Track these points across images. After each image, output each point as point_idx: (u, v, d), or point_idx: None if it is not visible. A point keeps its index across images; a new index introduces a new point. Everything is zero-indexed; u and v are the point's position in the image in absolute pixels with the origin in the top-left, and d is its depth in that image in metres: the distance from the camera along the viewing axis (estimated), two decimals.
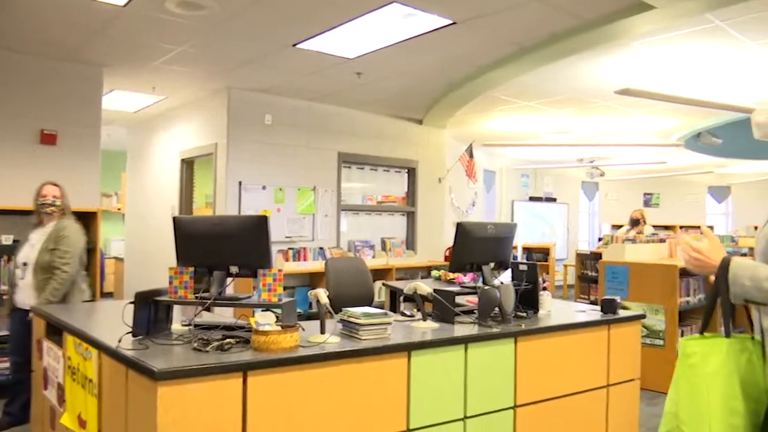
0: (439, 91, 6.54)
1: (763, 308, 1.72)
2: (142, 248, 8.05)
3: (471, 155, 8.33)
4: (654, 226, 10.18)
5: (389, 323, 2.89)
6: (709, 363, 1.72)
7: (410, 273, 7.69)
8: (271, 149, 6.75)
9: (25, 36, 4.82)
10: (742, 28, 4.24)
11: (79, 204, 5.42)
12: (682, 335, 5.36)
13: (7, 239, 4.98)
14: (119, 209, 10.75)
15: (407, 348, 2.79)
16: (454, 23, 4.31)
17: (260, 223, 2.83)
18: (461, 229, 3.40)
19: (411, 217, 8.23)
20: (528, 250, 11.71)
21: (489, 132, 8.91)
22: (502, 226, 3.68)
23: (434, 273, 6.19)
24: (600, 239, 10.35)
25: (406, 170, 8.21)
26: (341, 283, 5.06)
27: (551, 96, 6.55)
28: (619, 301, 3.76)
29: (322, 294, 2.88)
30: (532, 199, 13.34)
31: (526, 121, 8.03)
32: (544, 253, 11.36)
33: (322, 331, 2.80)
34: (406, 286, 3.47)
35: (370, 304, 4.77)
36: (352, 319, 2.87)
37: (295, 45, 4.86)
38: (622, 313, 3.77)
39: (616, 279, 5.61)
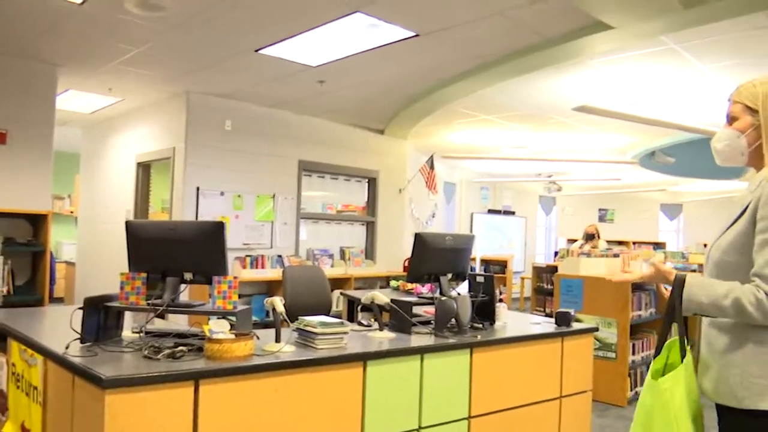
0: (401, 102, 6.58)
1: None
2: (95, 252, 7.83)
3: (432, 167, 8.40)
4: (608, 242, 10.44)
5: (346, 332, 2.88)
6: (675, 395, 1.75)
7: (369, 283, 7.68)
8: (230, 155, 6.67)
9: None
10: (695, 51, 4.40)
11: (29, 206, 5.27)
12: (633, 349, 5.49)
13: None
14: (72, 212, 10.45)
15: (363, 358, 2.78)
16: (417, 35, 4.35)
17: (216, 230, 2.79)
18: (419, 239, 3.41)
19: (371, 226, 8.24)
20: (486, 262, 11.83)
21: (449, 144, 9.00)
22: (461, 238, 3.71)
23: (393, 283, 6.20)
24: (556, 253, 10.55)
25: (367, 180, 8.21)
26: (299, 291, 5.01)
27: (511, 110, 6.66)
28: (572, 313, 3.82)
29: (278, 302, 2.85)
30: (491, 211, 13.52)
31: (486, 134, 8.15)
32: (502, 265, 11.50)
33: (278, 340, 2.76)
34: (364, 296, 3.46)
35: (327, 314, 4.72)
36: (308, 328, 2.84)
37: (257, 50, 4.83)
38: (575, 325, 3.84)
39: (570, 292, 5.71)
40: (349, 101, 6.56)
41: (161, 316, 3.80)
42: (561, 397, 3.65)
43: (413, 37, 4.38)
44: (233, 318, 2.72)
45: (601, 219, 15.69)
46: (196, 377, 2.31)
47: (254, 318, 6.13)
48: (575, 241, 10.37)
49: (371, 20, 4.10)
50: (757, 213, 1.70)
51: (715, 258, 1.82)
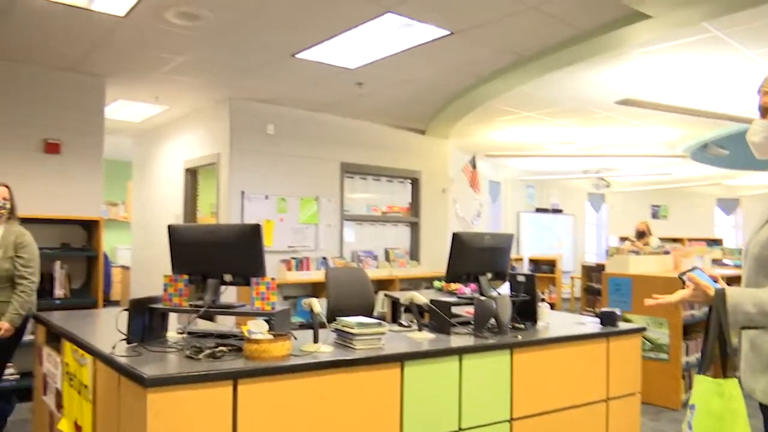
0: (441, 101, 6.56)
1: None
2: (148, 257, 8.08)
3: (474, 166, 8.33)
4: (662, 239, 10.12)
5: (383, 333, 2.88)
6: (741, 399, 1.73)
7: (413, 284, 7.67)
8: (273, 159, 6.77)
9: (28, 47, 4.88)
10: (740, 37, 4.23)
11: (83, 212, 5.48)
12: (686, 349, 5.31)
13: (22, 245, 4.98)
14: (126, 218, 10.80)
15: (400, 358, 2.77)
16: (451, 33, 4.32)
17: (254, 232, 2.83)
18: (457, 239, 3.39)
19: (415, 227, 8.23)
20: (534, 262, 11.65)
21: (492, 143, 8.91)
22: (499, 237, 3.66)
23: (436, 284, 6.17)
24: (608, 251, 10.29)
25: (410, 180, 8.21)
26: (341, 293, 5.03)
27: (553, 106, 6.55)
28: (618, 313, 3.72)
29: (315, 303, 2.87)
30: (538, 210, 13.30)
31: (529, 131, 8.03)
32: (551, 265, 11.30)
33: (315, 340, 2.79)
34: (403, 296, 3.46)
35: (370, 315, 4.74)
36: (345, 329, 2.86)
37: (294, 55, 4.89)
38: (622, 325, 3.74)
39: (619, 291, 5.57)
40: (388, 102, 6.57)
41: (209, 317, 3.89)
42: (608, 399, 3.57)
43: (447, 35, 4.36)
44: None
45: (654, 215, 15.24)
46: (234, 377, 2.35)
47: (299, 319, 6.21)
48: (626, 239, 10.11)
49: (403, 20, 4.09)
50: None
51: (755, 253, 1.79)
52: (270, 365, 2.45)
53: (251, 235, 2.84)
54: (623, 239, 11.66)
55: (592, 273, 8.47)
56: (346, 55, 4.91)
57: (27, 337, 4.57)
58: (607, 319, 3.65)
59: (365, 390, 2.67)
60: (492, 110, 6.78)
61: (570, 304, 11.50)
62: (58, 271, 5.20)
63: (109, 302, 7.12)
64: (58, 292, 5.18)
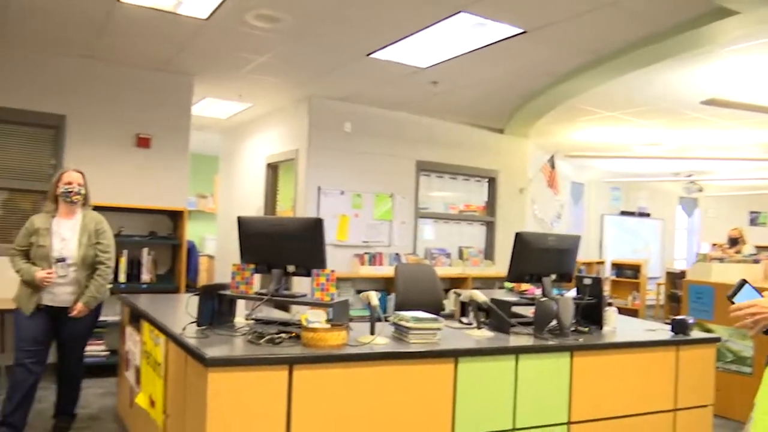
0: (517, 100, 6.47)
1: None
2: (232, 247, 8.45)
3: (553, 166, 8.15)
4: (759, 247, 9.50)
5: (438, 328, 2.92)
6: None
7: (487, 283, 7.61)
8: (350, 156, 6.91)
9: (123, 49, 5.24)
10: None
11: (169, 203, 5.83)
12: None
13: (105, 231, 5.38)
14: (213, 210, 11.32)
15: (454, 354, 2.80)
16: (524, 32, 4.27)
17: (315, 226, 2.94)
18: (519, 239, 3.36)
19: (490, 226, 8.16)
20: (617, 267, 11.23)
21: (574, 143, 8.68)
22: (565, 238, 3.60)
23: (507, 284, 6.12)
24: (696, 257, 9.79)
25: (487, 179, 8.14)
26: (409, 289, 5.09)
27: (635, 106, 6.31)
28: (691, 321, 3.57)
29: (373, 296, 2.94)
30: (623, 213, 12.80)
31: (613, 132, 7.76)
32: (635, 270, 10.85)
33: (372, 332, 2.86)
34: (463, 294, 3.48)
35: (437, 312, 4.77)
36: (402, 323, 2.92)
37: (368, 55, 4.98)
38: (695, 334, 3.59)
39: (700, 300, 5.31)
40: (464, 101, 6.56)
41: (283, 306, 4.07)
42: (676, 409, 3.43)
43: (521, 33, 4.31)
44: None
45: (752, 222, 14.27)
46: (290, 362, 2.46)
47: (367, 313, 6.32)
48: (718, 245, 9.57)
49: (477, 19, 4.09)
50: None
51: None
52: (325, 353, 2.55)
53: (313, 229, 2.96)
54: (716, 246, 11.04)
55: (676, 280, 8.10)
56: (419, 55, 4.96)
57: (115, 317, 4.94)
58: (679, 326, 3.51)
59: (418, 383, 2.72)
60: (573, 110, 6.62)
61: (655, 311, 11.02)
62: (146, 257, 5.57)
63: (194, 289, 7.51)
64: (145, 277, 5.55)
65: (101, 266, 3.80)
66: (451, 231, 7.96)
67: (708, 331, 5.13)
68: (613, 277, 10.71)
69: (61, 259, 3.67)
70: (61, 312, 3.73)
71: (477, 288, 7.26)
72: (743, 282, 1.93)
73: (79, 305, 3.71)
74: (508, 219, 8.18)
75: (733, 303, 1.87)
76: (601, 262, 11.35)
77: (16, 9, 4.38)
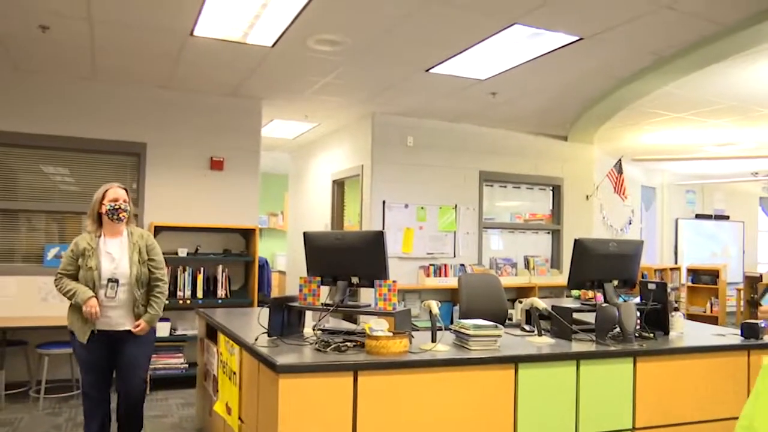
0: (579, 106, 6.43)
1: None
2: (301, 262, 8.73)
3: (620, 171, 7.99)
4: None
5: (499, 335, 2.99)
6: None
7: (554, 292, 7.55)
8: (413, 169, 7.05)
9: (195, 78, 5.60)
10: None
11: (241, 222, 6.14)
12: None
13: (182, 252, 5.74)
14: (283, 227, 11.72)
15: (514, 360, 2.86)
16: (581, 39, 4.30)
17: (377, 238, 3.07)
18: (579, 245, 3.39)
19: (556, 235, 8.09)
20: (693, 272, 10.83)
21: (642, 146, 8.49)
22: (626, 244, 3.59)
23: (574, 292, 6.05)
24: None
25: (551, 188, 8.09)
26: (473, 298, 5.15)
27: (704, 106, 6.14)
28: (763, 325, 3.47)
29: (433, 305, 3.05)
30: (699, 216, 12.32)
31: (682, 133, 7.56)
32: (713, 275, 10.43)
33: (433, 340, 2.96)
34: (524, 302, 3.52)
35: (503, 322, 4.81)
36: (462, 330, 3.01)
37: (428, 70, 5.12)
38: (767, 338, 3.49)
39: None
40: (525, 110, 6.58)
41: (350, 317, 4.20)
42: None
43: (578, 41, 4.33)
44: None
45: None
46: (354, 368, 2.60)
47: (438, 324, 6.40)
48: None
49: (531, 30, 4.15)
50: None
51: None
52: (387, 360, 2.67)
53: (375, 242, 3.09)
54: None
55: (756, 284, 7.75)
56: (477, 67, 5.05)
57: (193, 331, 5.25)
58: (749, 331, 3.43)
59: (479, 389, 2.79)
60: (637, 113, 6.52)
61: (735, 317, 10.53)
62: (221, 274, 5.88)
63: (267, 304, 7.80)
64: (220, 292, 5.85)
65: (159, 283, 3.64)
66: (517, 240, 7.95)
67: None
68: (690, 284, 10.33)
69: (114, 280, 3.48)
70: (117, 336, 3.53)
71: (544, 297, 7.24)
72: None
73: (143, 323, 3.54)
74: (574, 227, 8.08)
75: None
76: (677, 268, 10.96)
77: (99, 47, 4.78)
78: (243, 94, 6.14)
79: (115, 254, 3.55)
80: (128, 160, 5.89)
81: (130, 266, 3.54)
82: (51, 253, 5.57)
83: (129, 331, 3.54)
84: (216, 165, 6.11)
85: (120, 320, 3.54)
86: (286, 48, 4.62)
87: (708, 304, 10.17)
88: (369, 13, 3.98)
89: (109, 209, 3.54)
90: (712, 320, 9.45)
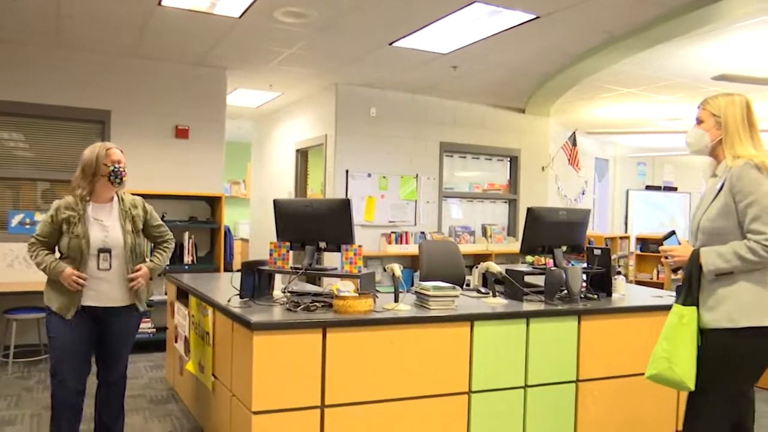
0: (536, 81, 6.68)
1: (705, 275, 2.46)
2: (264, 230, 8.88)
3: (574, 143, 8.33)
4: None
5: (456, 296, 3.23)
6: (692, 322, 2.46)
7: (510, 258, 7.88)
8: (376, 140, 7.22)
9: (162, 47, 5.61)
10: None
11: (207, 189, 6.23)
12: None
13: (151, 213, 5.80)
14: (246, 195, 11.77)
15: (470, 318, 3.12)
16: (537, 17, 4.50)
17: (344, 206, 3.26)
18: (531, 213, 3.64)
19: (513, 204, 8.40)
20: (642, 241, 11.36)
21: (596, 119, 8.83)
22: (575, 212, 3.87)
23: (528, 258, 6.38)
24: None
25: (509, 159, 8.37)
26: (433, 264, 5.39)
27: (652, 83, 6.46)
28: None
29: (396, 268, 3.27)
30: (648, 188, 12.87)
31: (633, 108, 7.90)
32: (660, 244, 10.96)
33: (396, 300, 3.19)
34: (479, 266, 3.77)
35: (461, 286, 5.08)
36: (423, 291, 3.25)
37: (391, 44, 5.26)
38: None
39: None
40: (484, 83, 6.79)
41: (313, 280, 4.37)
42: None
43: (534, 19, 4.54)
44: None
45: None
46: (323, 326, 2.81)
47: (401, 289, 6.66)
48: None
49: (491, 8, 4.33)
50: (733, 190, 2.41)
51: (706, 226, 2.50)
52: (354, 318, 2.89)
53: (342, 209, 3.28)
54: None
55: None
56: (439, 42, 5.21)
57: (161, 297, 5.37)
58: None
59: (438, 345, 3.04)
60: (591, 88, 6.80)
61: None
62: (187, 240, 5.99)
63: (230, 271, 7.94)
64: (187, 258, 5.98)
65: (168, 238, 3.40)
66: (476, 209, 8.24)
67: None
68: (638, 252, 10.84)
69: (105, 250, 3.07)
70: (106, 313, 3.11)
71: (500, 263, 7.56)
72: (672, 232, 2.67)
73: (144, 269, 3.15)
74: (530, 197, 8.41)
75: (662, 244, 2.65)
76: (626, 237, 11.48)
77: (65, 15, 4.76)
78: (208, 64, 6.17)
79: (105, 221, 3.14)
80: (93, 128, 5.89)
81: (123, 235, 3.13)
82: (15, 220, 5.58)
83: (119, 308, 3.14)
84: (181, 133, 6.15)
85: (112, 294, 3.11)
86: (253, 19, 4.70)
87: (655, 272, 10.71)
88: None
89: (113, 171, 3.12)
90: (659, 286, 9.97)
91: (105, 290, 3.10)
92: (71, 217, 3.08)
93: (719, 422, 2.49)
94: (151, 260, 3.28)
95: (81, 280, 3.02)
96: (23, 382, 4.74)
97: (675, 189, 13.25)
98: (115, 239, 3.13)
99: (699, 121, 2.62)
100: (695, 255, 2.48)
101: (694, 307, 2.45)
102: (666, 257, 2.62)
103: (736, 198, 2.42)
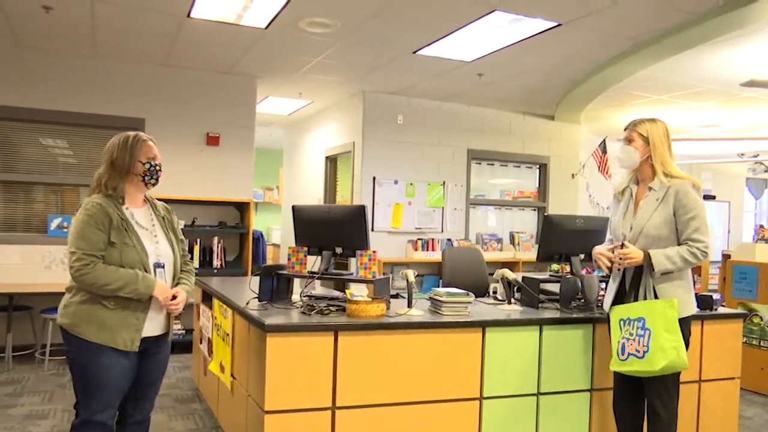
0: (562, 88, 6.65)
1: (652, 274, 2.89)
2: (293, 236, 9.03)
3: (604, 150, 8.22)
4: None
5: (469, 302, 3.27)
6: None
7: (538, 267, 7.82)
8: (403, 147, 7.28)
9: (191, 56, 5.79)
10: None
11: (236, 195, 6.39)
12: None
13: (180, 224, 5.97)
14: (278, 201, 11.95)
15: (482, 324, 3.14)
16: (559, 25, 4.51)
17: (360, 212, 3.32)
18: (547, 221, 3.64)
19: (542, 212, 8.34)
20: None
21: None
22: (593, 220, 3.84)
23: (554, 266, 6.33)
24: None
25: (538, 166, 8.33)
26: (456, 271, 5.41)
27: (682, 89, 6.36)
28: (717, 297, 3.75)
29: (410, 274, 3.32)
30: None
31: (665, 114, 7.76)
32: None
33: (409, 305, 3.24)
34: (495, 273, 3.79)
35: (483, 294, 5.08)
36: (436, 297, 3.29)
37: (414, 52, 5.32)
38: (721, 310, 3.77)
39: (744, 279, 5.40)
40: (511, 91, 6.79)
41: (338, 285, 4.42)
42: (700, 381, 3.65)
43: (556, 26, 4.54)
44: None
45: None
46: (335, 329, 2.88)
47: (422, 295, 6.68)
48: (763, 228, 9.35)
49: (511, 16, 4.36)
50: (676, 204, 2.89)
51: (651, 232, 2.94)
52: (365, 322, 2.95)
53: (358, 215, 3.34)
54: (762, 227, 10.73)
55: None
56: (462, 50, 5.25)
57: (189, 300, 5.52)
58: (704, 302, 3.70)
59: (449, 350, 3.07)
60: (621, 94, 6.73)
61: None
62: (216, 245, 6.15)
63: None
64: (216, 262, 6.13)
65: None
66: (504, 217, 8.22)
67: (751, 310, 5.24)
68: None
69: (160, 265, 2.59)
70: (149, 342, 2.58)
71: (528, 271, 7.51)
72: (623, 245, 2.98)
73: (183, 294, 2.64)
74: (560, 204, 8.35)
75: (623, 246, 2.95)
76: None
77: (100, 26, 4.97)
78: (238, 72, 6.34)
79: (154, 231, 2.65)
80: None
81: (170, 246, 2.68)
82: (54, 224, 5.82)
83: (160, 336, 2.64)
84: (212, 141, 6.33)
85: (160, 319, 2.62)
86: (279, 30, 4.82)
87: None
88: None
89: (149, 169, 2.62)
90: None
91: (158, 316, 2.61)
92: (120, 223, 2.49)
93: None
94: (184, 282, 2.73)
95: (178, 303, 2.57)
96: (57, 379, 4.93)
97: (713, 197, 12.93)
98: (165, 251, 2.64)
99: (629, 141, 3.04)
100: (647, 257, 2.86)
101: (675, 299, 2.84)
102: (621, 259, 2.95)
103: (679, 211, 2.89)
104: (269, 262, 11.48)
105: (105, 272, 2.41)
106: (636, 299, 2.92)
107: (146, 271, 2.50)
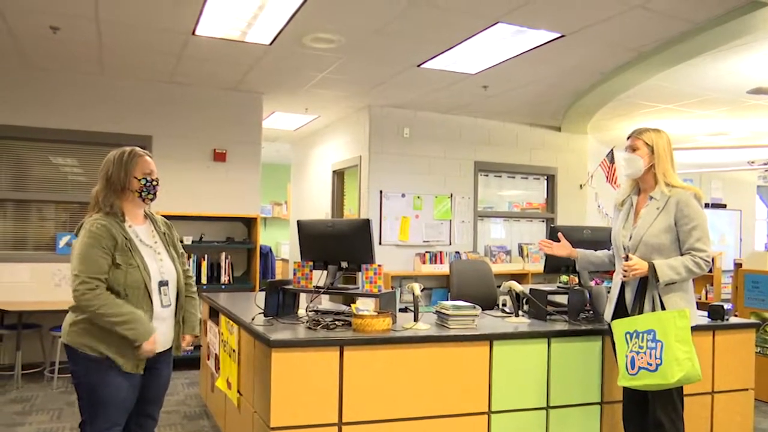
0: (568, 98, 6.64)
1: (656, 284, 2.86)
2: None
3: (612, 161, 8.19)
4: None
5: (476, 315, 3.23)
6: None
7: (547, 278, 7.76)
8: (409, 160, 7.28)
9: (197, 73, 5.84)
10: None
11: (244, 211, 6.40)
12: None
13: (187, 239, 6.01)
14: (287, 216, 11.98)
15: (489, 338, 3.11)
16: (562, 36, 4.51)
17: (364, 226, 3.32)
18: (554, 232, 3.61)
19: (550, 223, 8.30)
20: None
21: None
22: (601, 231, 3.82)
23: (563, 278, 6.28)
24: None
25: (545, 177, 8.30)
26: (465, 284, 5.39)
27: (688, 98, 6.34)
28: (729, 307, 3.71)
29: (416, 287, 3.29)
30: None
31: (673, 123, 7.74)
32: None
33: (416, 319, 3.22)
34: (503, 285, 3.76)
35: (491, 307, 5.05)
36: (443, 310, 3.26)
37: (419, 65, 5.34)
38: (733, 320, 3.72)
39: (757, 288, 5.33)
40: (516, 102, 6.79)
41: (347, 299, 4.41)
42: (713, 392, 3.59)
43: (559, 38, 4.54)
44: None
45: None
46: (341, 344, 2.86)
47: (430, 309, 6.65)
48: None
49: (514, 28, 4.36)
50: (678, 215, 2.87)
51: (651, 241, 2.92)
52: (371, 336, 2.93)
53: (362, 229, 3.33)
54: None
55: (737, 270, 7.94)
56: (466, 62, 5.26)
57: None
58: (716, 313, 3.66)
59: (456, 364, 3.04)
60: (627, 104, 6.71)
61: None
62: (224, 260, 6.15)
63: None
64: (224, 278, 6.13)
65: (190, 281, 2.82)
66: (512, 229, 8.19)
67: (764, 320, 5.17)
68: None
69: (164, 283, 2.58)
70: (155, 358, 2.58)
71: (538, 283, 7.46)
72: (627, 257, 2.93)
73: (188, 337, 2.77)
74: (568, 215, 8.30)
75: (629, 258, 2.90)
76: None
77: (106, 45, 5.03)
78: (244, 89, 6.38)
79: (156, 247, 2.63)
80: None
81: (173, 262, 2.67)
82: (63, 241, 5.85)
83: (165, 351, 2.66)
84: (219, 157, 6.36)
85: (168, 335, 2.64)
86: (284, 46, 4.86)
87: (703, 291, 10.36)
88: (359, 13, 4.21)
89: (145, 185, 2.59)
90: (706, 307, 9.64)
91: (164, 332, 2.59)
92: (122, 242, 2.46)
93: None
94: (190, 318, 2.78)
95: (153, 351, 2.52)
96: (66, 396, 4.93)
97: (724, 206, 12.82)
98: (169, 269, 2.63)
99: (633, 149, 3.01)
100: (652, 266, 2.84)
101: (687, 309, 2.79)
102: (626, 270, 2.89)
103: (681, 221, 2.87)
104: (278, 277, 11.48)
105: (108, 302, 2.39)
106: (641, 311, 2.88)
107: (147, 292, 2.51)
